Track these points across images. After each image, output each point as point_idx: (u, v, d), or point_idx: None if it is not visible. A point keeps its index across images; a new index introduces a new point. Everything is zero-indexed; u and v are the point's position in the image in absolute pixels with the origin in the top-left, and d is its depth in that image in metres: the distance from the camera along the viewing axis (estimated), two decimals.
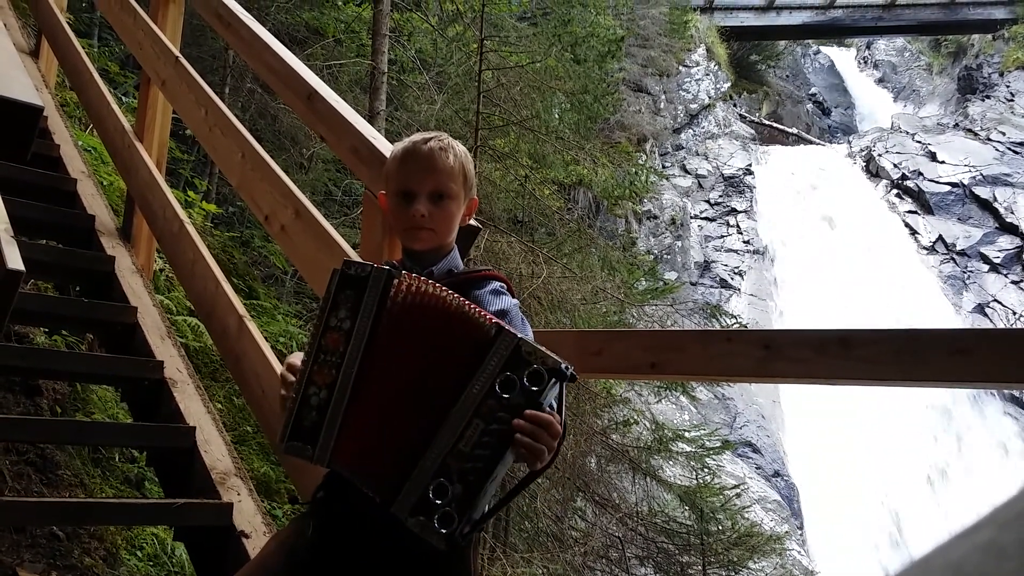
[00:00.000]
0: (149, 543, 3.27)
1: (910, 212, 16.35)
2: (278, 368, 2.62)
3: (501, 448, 1.33)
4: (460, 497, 1.33)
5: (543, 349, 1.37)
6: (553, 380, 1.35)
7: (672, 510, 7.68)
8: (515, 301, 1.64)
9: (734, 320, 11.00)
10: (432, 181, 1.61)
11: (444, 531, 1.32)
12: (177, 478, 2.87)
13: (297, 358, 1.54)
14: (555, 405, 1.38)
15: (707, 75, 19.07)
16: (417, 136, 1.68)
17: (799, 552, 10.69)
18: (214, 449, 2.86)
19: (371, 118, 7.32)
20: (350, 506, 1.50)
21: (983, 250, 15.23)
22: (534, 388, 1.34)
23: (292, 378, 1.51)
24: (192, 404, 3.05)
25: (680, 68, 18.58)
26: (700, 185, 17.22)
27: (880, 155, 17.61)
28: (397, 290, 1.43)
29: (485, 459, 1.34)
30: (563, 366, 1.36)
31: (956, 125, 18.30)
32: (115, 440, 3.25)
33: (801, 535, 11.46)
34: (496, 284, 1.63)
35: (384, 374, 1.43)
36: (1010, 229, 15.35)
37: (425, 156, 1.62)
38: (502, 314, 1.52)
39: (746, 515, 8.19)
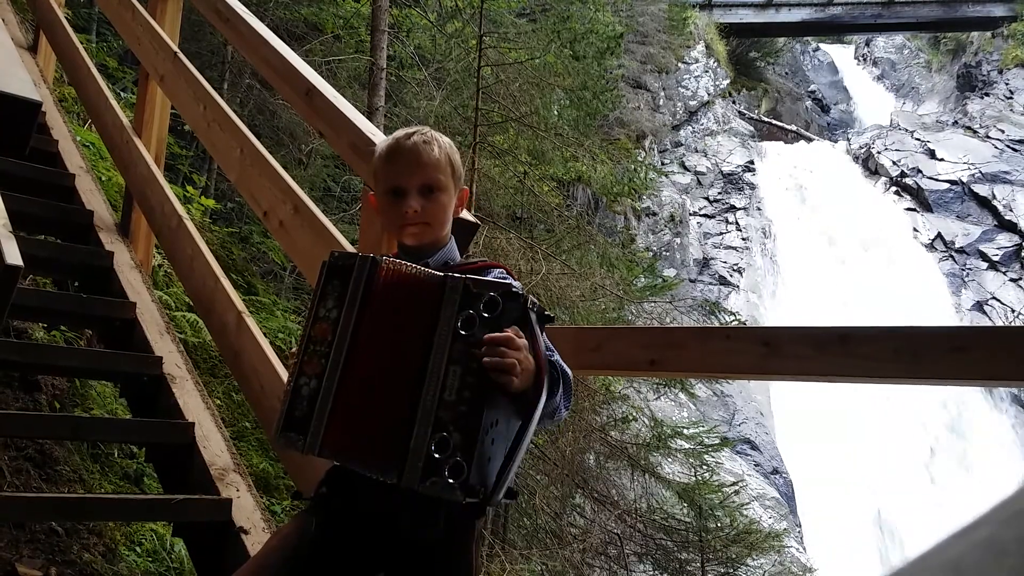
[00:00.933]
0: (148, 539, 3.27)
1: (909, 209, 16.36)
2: (277, 364, 2.62)
3: (483, 385, 1.34)
4: (462, 444, 1.33)
5: (492, 279, 1.41)
6: (509, 303, 1.37)
7: (671, 507, 7.69)
8: (518, 284, 1.64)
9: (733, 317, 11.01)
10: (420, 175, 1.61)
11: (457, 481, 1.31)
12: (176, 474, 2.87)
13: None
14: (527, 331, 1.38)
15: (706, 72, 19.07)
16: (399, 132, 1.68)
17: (797, 549, 10.70)
18: (213, 445, 2.86)
19: (370, 114, 7.31)
20: (352, 502, 1.50)
21: (982, 248, 15.24)
22: (492, 315, 1.37)
23: None
24: (191, 400, 3.05)
25: (679, 65, 18.57)
26: (699, 182, 17.22)
27: (879, 152, 17.61)
28: (380, 276, 1.46)
29: (472, 399, 1.35)
30: (514, 288, 1.38)
31: (955, 123, 18.31)
32: (114, 436, 3.25)
33: (799, 532, 11.48)
34: (497, 271, 1.63)
35: (368, 356, 1.45)
36: (1009, 227, 15.36)
37: (410, 151, 1.62)
38: None
39: (744, 512, 8.20)
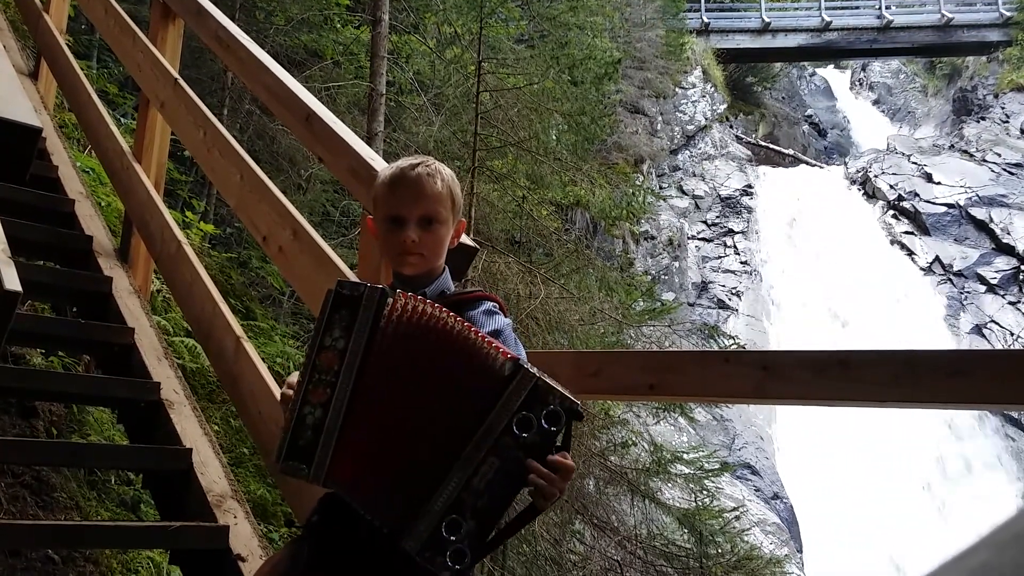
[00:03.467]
0: (145, 566, 3.25)
1: (906, 233, 16.40)
2: (275, 389, 2.61)
3: (515, 487, 1.34)
4: (473, 533, 1.33)
5: (559, 388, 1.37)
6: (570, 419, 1.36)
7: (671, 533, 7.63)
8: (508, 321, 1.64)
9: (732, 341, 10.99)
10: (421, 207, 1.62)
11: (457, 567, 1.32)
12: (173, 500, 2.85)
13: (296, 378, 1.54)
14: (567, 445, 1.39)
15: (703, 97, 19.19)
16: (404, 161, 1.69)
17: (798, 575, 10.62)
18: (210, 471, 2.84)
19: (369, 139, 7.34)
20: (345, 530, 1.49)
21: (980, 271, 15.26)
22: (551, 428, 1.35)
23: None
24: (188, 425, 3.03)
25: (677, 90, 18.69)
26: (697, 206, 17.28)
27: (876, 176, 17.69)
28: (392, 309, 1.44)
29: (499, 497, 1.34)
30: (579, 406, 1.37)
31: (952, 146, 18.40)
32: (111, 462, 3.23)
33: (800, 558, 11.40)
34: (488, 304, 1.64)
35: (382, 394, 1.43)
36: (1007, 250, 15.39)
37: (413, 182, 1.63)
38: (496, 334, 1.53)
39: (745, 538, 8.14)
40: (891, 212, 16.91)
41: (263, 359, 2.92)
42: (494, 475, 1.34)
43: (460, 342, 1.41)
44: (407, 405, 1.42)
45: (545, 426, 1.34)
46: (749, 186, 17.67)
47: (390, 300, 1.44)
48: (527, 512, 1.42)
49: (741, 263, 16.27)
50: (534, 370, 1.38)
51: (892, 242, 16.41)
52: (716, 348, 10.39)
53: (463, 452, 1.35)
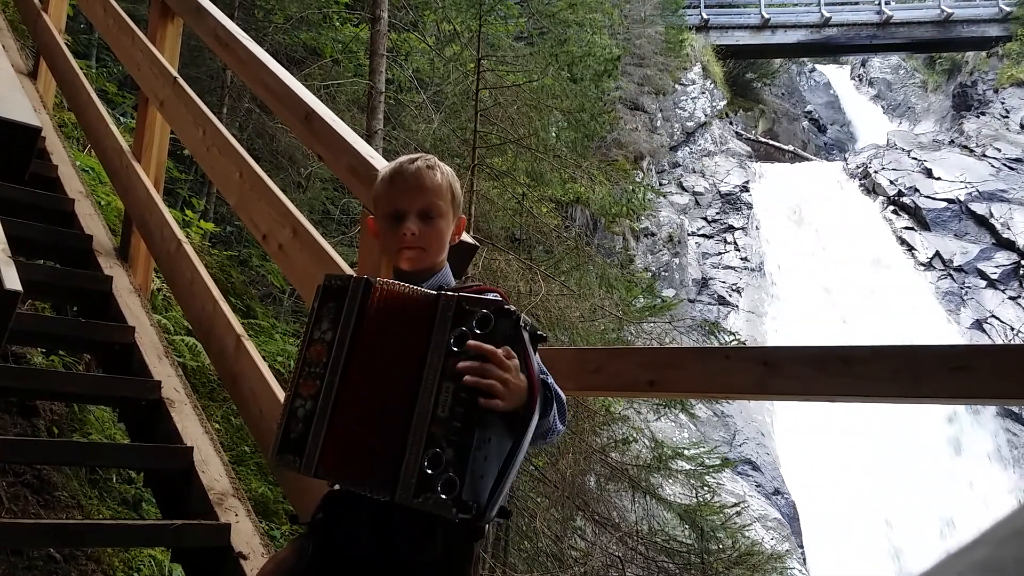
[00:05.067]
0: (147, 565, 3.25)
1: (907, 228, 16.40)
2: (276, 387, 2.62)
3: (475, 399, 1.35)
4: (455, 459, 1.33)
5: (483, 297, 1.42)
6: (501, 319, 1.38)
7: (672, 529, 7.64)
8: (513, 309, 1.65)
9: (732, 337, 10.99)
10: (421, 200, 1.62)
11: (449, 497, 1.32)
12: (174, 499, 2.85)
13: None
14: (520, 350, 1.39)
15: (703, 93, 19.17)
16: (403, 158, 1.71)
17: (800, 571, 10.63)
18: (212, 469, 2.84)
19: (368, 137, 7.34)
20: (349, 528, 1.49)
21: (980, 266, 15.25)
22: (483, 332, 1.37)
23: None
24: (190, 424, 3.03)
25: (676, 86, 18.68)
26: (697, 202, 17.27)
27: (876, 172, 17.67)
28: (374, 298, 1.46)
29: (464, 415, 1.35)
30: (507, 305, 1.40)
31: (952, 142, 18.38)
32: (112, 461, 3.23)
33: (802, 553, 11.40)
34: (491, 295, 1.64)
35: (363, 378, 1.45)
36: (1007, 245, 15.38)
37: (412, 176, 1.64)
38: None
39: (746, 533, 8.15)
40: (891, 208, 16.90)
41: (264, 357, 2.92)
42: (453, 398, 1.36)
43: (410, 301, 1.46)
44: (380, 377, 1.45)
45: (478, 332, 1.37)
46: (749, 182, 17.67)
47: (373, 289, 1.47)
48: (513, 445, 1.40)
49: (741, 259, 16.26)
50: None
51: (892, 237, 16.40)
52: (716, 344, 10.39)
53: (419, 391, 1.38)
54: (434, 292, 1.45)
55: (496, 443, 1.38)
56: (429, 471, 1.33)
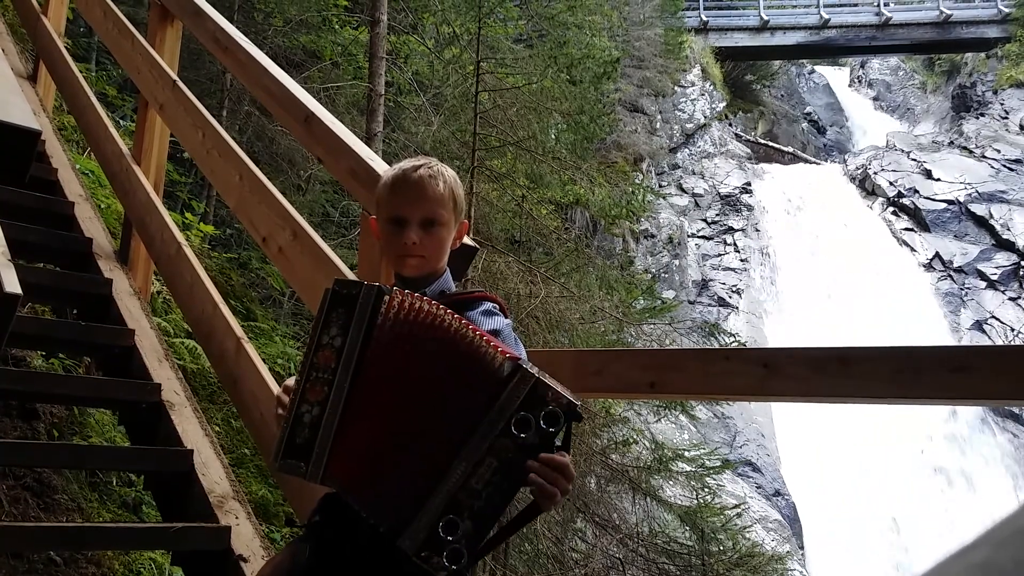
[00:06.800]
0: (147, 568, 3.25)
1: (906, 229, 16.40)
2: (276, 390, 2.61)
3: (513, 488, 1.34)
4: (470, 534, 1.32)
5: (557, 388, 1.36)
6: (567, 420, 1.35)
7: (673, 530, 7.63)
8: (508, 321, 1.64)
9: (732, 338, 10.98)
10: (423, 209, 1.62)
11: (453, 567, 1.31)
12: (175, 502, 2.85)
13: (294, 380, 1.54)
14: (567, 446, 1.39)
15: (702, 95, 19.18)
16: (407, 163, 1.69)
17: (801, 572, 10.62)
18: (212, 472, 2.84)
19: (368, 140, 7.34)
20: (345, 530, 1.49)
21: (980, 267, 15.25)
22: (550, 429, 1.34)
23: (288, 399, 1.51)
24: (190, 427, 3.03)
25: (676, 88, 18.68)
26: (697, 204, 17.27)
27: (876, 173, 17.68)
28: (388, 306, 1.44)
29: (496, 498, 1.34)
30: (578, 407, 1.36)
31: (951, 143, 18.39)
32: (112, 464, 3.23)
33: (802, 555, 11.40)
34: (488, 305, 1.64)
35: (379, 392, 1.43)
36: (1006, 246, 15.38)
37: (416, 184, 1.63)
38: (495, 334, 1.52)
39: (747, 535, 8.14)
40: (891, 209, 16.91)
41: (264, 360, 2.92)
42: (492, 476, 1.33)
43: (458, 340, 1.41)
44: (405, 404, 1.42)
45: (544, 427, 1.33)
46: (748, 184, 17.67)
47: (387, 298, 1.44)
48: (528, 511, 1.42)
49: (741, 260, 16.26)
50: (534, 370, 1.37)
51: (892, 238, 16.40)
52: (717, 346, 10.39)
53: (461, 452, 1.35)
54: (507, 356, 1.39)
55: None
56: (441, 533, 1.32)
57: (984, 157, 17.14)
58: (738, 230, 16.77)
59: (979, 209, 15.95)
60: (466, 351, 1.40)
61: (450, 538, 1.32)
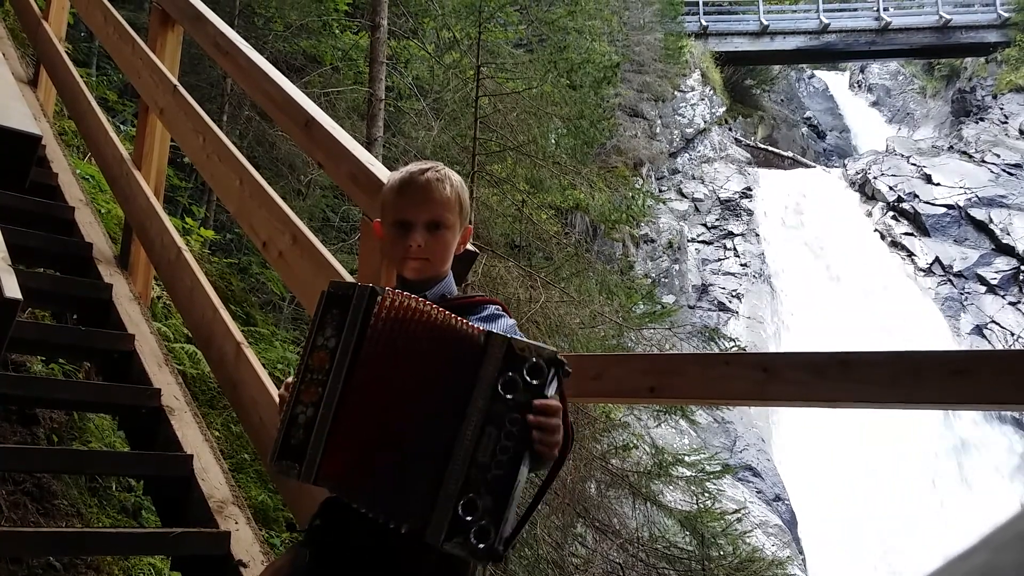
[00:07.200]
0: (146, 573, 3.24)
1: (906, 234, 16.40)
2: (276, 395, 2.61)
3: (521, 449, 1.34)
4: (491, 508, 1.32)
5: (535, 343, 1.39)
6: (552, 371, 1.37)
7: (673, 535, 7.62)
8: (512, 322, 1.65)
9: (732, 343, 10.99)
10: (428, 212, 1.62)
11: (482, 546, 1.31)
12: (174, 507, 2.85)
13: None
14: (562, 397, 1.40)
15: (702, 100, 19.19)
16: (413, 166, 1.69)
17: None
18: (212, 477, 2.84)
19: (368, 145, 7.35)
20: (346, 534, 1.49)
21: (980, 271, 15.26)
22: (536, 382, 1.35)
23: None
24: (189, 432, 3.03)
25: (675, 93, 18.70)
26: (697, 209, 17.28)
27: (875, 178, 17.69)
28: (381, 307, 1.45)
29: (507, 464, 1.34)
30: (558, 355, 1.38)
31: (951, 147, 18.41)
32: (112, 469, 3.23)
33: (802, 560, 11.38)
34: (492, 308, 1.64)
35: (371, 389, 1.44)
36: (1006, 250, 15.39)
37: (422, 187, 1.63)
38: None
39: (747, 540, 8.13)
40: (891, 213, 16.92)
41: (264, 365, 2.92)
42: (495, 444, 1.34)
43: (440, 328, 1.43)
44: (397, 398, 1.43)
45: (530, 380, 1.35)
46: (748, 188, 17.68)
47: (379, 298, 1.45)
48: (550, 473, 1.43)
49: (741, 265, 16.27)
50: (507, 334, 1.40)
51: (892, 243, 16.41)
52: (717, 350, 10.38)
53: (459, 432, 1.36)
54: (481, 330, 1.42)
55: (523, 483, 1.39)
56: (463, 515, 1.32)
57: (984, 162, 17.15)
58: (738, 235, 16.78)
59: (979, 214, 15.96)
60: (447, 336, 1.42)
61: (472, 518, 1.32)
